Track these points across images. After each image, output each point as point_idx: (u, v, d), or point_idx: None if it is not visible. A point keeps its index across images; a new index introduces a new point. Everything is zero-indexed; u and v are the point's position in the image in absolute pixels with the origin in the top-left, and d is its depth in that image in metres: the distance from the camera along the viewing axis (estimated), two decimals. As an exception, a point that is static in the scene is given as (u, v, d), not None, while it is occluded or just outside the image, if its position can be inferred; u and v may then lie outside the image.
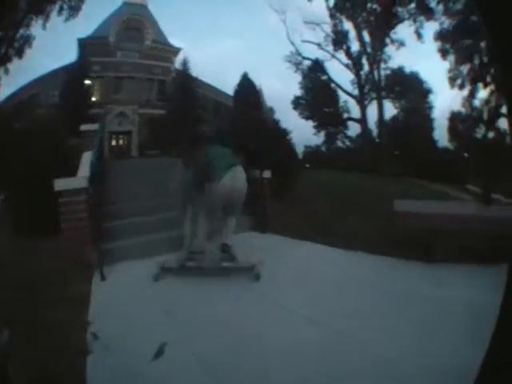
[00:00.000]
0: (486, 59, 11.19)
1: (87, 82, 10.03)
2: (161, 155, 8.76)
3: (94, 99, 10.32)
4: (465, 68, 12.14)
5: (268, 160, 4.93)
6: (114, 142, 10.71)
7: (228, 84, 11.73)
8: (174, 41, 11.96)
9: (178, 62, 11.33)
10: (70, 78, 9.26)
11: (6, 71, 9.42)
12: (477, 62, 11.74)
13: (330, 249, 3.69)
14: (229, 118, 9.89)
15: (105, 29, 10.76)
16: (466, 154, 13.40)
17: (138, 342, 1.88)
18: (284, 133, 6.55)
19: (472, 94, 12.11)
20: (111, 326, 2.05)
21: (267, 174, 4.75)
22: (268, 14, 13.94)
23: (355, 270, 3.03)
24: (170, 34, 12.03)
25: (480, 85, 11.80)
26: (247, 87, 10.91)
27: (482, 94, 11.85)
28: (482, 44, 10.95)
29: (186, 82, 10.47)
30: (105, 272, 2.91)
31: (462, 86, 12.31)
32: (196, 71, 10.72)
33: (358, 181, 8.29)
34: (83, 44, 10.21)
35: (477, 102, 12.06)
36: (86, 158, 3.86)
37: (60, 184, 3.05)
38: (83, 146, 4.42)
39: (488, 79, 11.38)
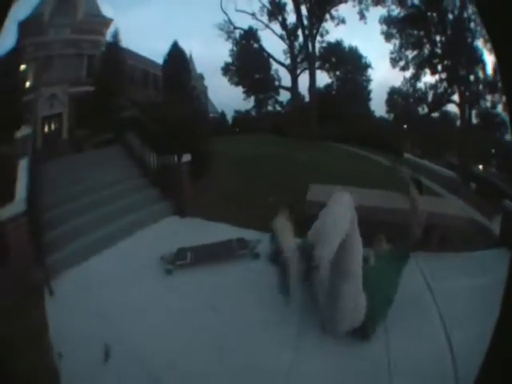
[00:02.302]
0: (439, 51, 12.64)
1: (22, 66, 9.04)
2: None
3: (28, 84, 9.27)
4: (410, 53, 13.25)
5: (186, 144, 5.01)
6: (46, 128, 9.83)
7: (158, 52, 11.15)
8: (106, 8, 10.77)
9: (109, 34, 10.45)
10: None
11: None
12: (426, 51, 12.93)
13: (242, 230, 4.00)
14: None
15: (41, 5, 9.45)
16: (405, 126, 14.79)
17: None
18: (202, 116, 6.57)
19: (417, 77, 13.45)
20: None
21: (187, 157, 4.90)
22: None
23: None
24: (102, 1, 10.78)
25: (426, 70, 13.11)
26: (177, 55, 10.86)
27: (428, 79, 13.18)
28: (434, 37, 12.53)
29: (115, 56, 9.94)
30: (52, 287, 3.09)
31: (404, 68, 13.52)
32: (126, 41, 10.20)
33: (277, 150, 8.95)
34: (21, 26, 8.86)
35: (422, 85, 13.43)
36: (23, 169, 3.71)
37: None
38: (17, 153, 4.15)
39: (439, 69, 12.83)
